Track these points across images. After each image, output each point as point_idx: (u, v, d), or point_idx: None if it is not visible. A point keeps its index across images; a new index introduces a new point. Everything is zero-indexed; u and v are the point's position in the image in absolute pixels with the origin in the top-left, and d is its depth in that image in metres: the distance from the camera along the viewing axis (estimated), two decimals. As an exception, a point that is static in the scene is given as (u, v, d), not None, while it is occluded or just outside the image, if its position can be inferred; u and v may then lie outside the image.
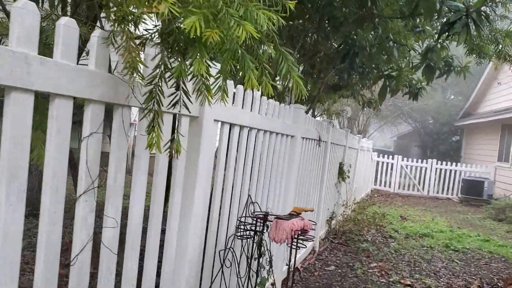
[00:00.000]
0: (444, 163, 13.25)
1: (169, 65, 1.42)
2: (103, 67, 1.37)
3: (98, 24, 2.70)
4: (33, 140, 1.45)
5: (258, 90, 1.40)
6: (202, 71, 1.32)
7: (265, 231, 2.29)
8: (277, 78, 5.85)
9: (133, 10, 1.31)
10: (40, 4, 2.66)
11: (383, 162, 13.58)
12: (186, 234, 1.95)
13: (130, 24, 1.35)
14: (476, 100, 15.21)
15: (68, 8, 2.50)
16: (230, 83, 2.22)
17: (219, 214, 2.36)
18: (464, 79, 5.19)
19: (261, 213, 2.41)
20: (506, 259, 5.64)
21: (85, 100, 1.34)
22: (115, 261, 1.52)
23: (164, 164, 1.75)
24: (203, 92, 1.47)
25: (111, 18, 1.32)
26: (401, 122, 20.24)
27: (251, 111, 2.54)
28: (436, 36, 4.59)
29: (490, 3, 3.06)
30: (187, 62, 1.37)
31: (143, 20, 1.44)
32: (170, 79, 1.45)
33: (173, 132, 1.53)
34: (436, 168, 13.13)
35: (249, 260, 2.38)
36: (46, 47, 2.24)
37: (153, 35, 1.45)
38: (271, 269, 2.78)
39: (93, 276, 1.45)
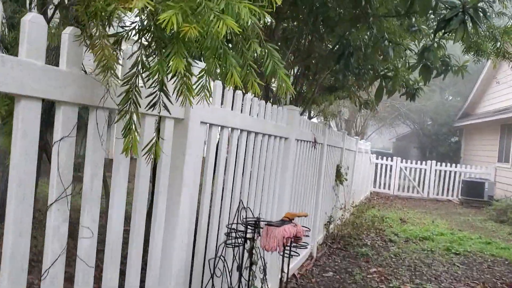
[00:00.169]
0: (443, 164, 13.16)
1: (147, 64, 1.33)
2: (75, 67, 1.28)
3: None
4: (8, 146, 1.36)
5: (241, 88, 1.31)
6: (180, 69, 1.23)
7: (256, 238, 2.19)
8: (273, 80, 5.77)
9: (106, 6, 1.22)
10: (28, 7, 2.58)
11: (382, 164, 13.49)
12: (172, 243, 1.85)
13: (103, 20, 1.26)
14: (474, 100, 15.15)
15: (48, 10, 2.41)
16: (218, 83, 2.13)
17: (209, 221, 2.27)
18: (462, 78, 5.11)
19: (252, 219, 2.31)
20: (510, 262, 5.54)
21: (56, 102, 1.25)
22: (92, 274, 1.42)
23: (146, 169, 1.66)
24: (184, 92, 1.38)
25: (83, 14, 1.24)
26: (400, 124, 20.17)
27: (241, 112, 2.45)
28: (432, 35, 4.53)
29: None
30: (166, 60, 1.28)
31: (122, 17, 1.36)
32: (149, 79, 1.36)
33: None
34: (436, 170, 13.03)
35: (239, 269, 2.28)
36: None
37: (130, 32, 1.37)
38: (265, 278, 2.68)
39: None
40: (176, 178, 1.85)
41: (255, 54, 1.45)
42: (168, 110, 1.39)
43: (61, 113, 1.25)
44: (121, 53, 1.36)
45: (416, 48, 4.86)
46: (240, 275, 2.25)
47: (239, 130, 2.49)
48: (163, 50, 1.29)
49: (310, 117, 6.36)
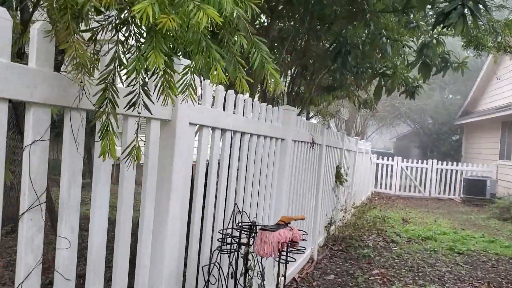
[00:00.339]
0: (444, 163, 13.05)
1: (124, 61, 1.24)
2: (46, 65, 1.19)
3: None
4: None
5: (226, 82, 1.22)
6: (159, 65, 1.14)
7: (251, 243, 2.10)
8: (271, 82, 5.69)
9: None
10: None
11: (383, 164, 13.38)
12: (162, 250, 1.76)
13: (75, 14, 1.17)
14: (475, 97, 15.05)
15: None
16: (208, 82, 2.04)
17: (202, 226, 2.17)
18: (462, 75, 5.02)
19: (246, 223, 2.21)
20: (514, 261, 5.43)
21: (26, 103, 1.16)
22: (71, 287, 1.33)
23: (130, 172, 1.57)
24: (165, 90, 1.29)
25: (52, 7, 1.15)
26: (400, 123, 20.07)
27: (234, 113, 2.35)
28: (431, 32, 4.44)
29: (487, -8, 2.89)
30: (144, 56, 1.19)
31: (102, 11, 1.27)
32: (128, 77, 1.27)
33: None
34: (437, 169, 12.93)
35: (234, 276, 2.18)
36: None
37: (106, 27, 1.27)
38: (263, 283, 2.58)
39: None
40: (165, 182, 1.76)
41: (243, 49, 1.36)
42: (149, 110, 1.29)
43: (32, 115, 1.16)
44: (96, 50, 1.26)
45: (415, 46, 4.77)
46: (235, 282, 2.15)
47: (231, 132, 2.40)
48: (142, 46, 1.20)
49: (308, 118, 6.26)
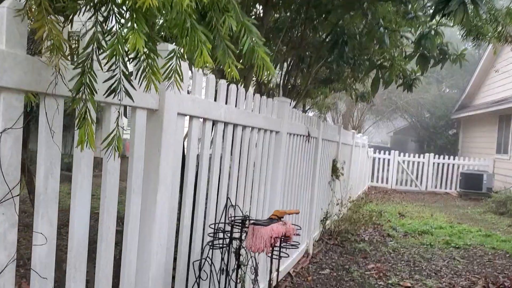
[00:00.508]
0: (441, 157, 13.03)
1: (103, 43, 1.15)
2: (18, 47, 1.10)
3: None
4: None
5: (212, 67, 1.14)
6: (140, 47, 1.05)
7: (243, 237, 2.02)
8: (266, 74, 5.60)
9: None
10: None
11: (379, 158, 13.35)
12: (150, 246, 1.68)
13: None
14: (472, 91, 15.00)
15: None
16: (199, 71, 1.96)
17: (192, 221, 2.10)
18: (460, 67, 4.95)
19: (238, 217, 2.14)
20: (510, 255, 5.40)
21: (-4, 88, 1.07)
22: (49, 286, 1.25)
23: (114, 165, 1.48)
24: (148, 75, 1.20)
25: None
26: (397, 117, 20.02)
27: (226, 103, 2.27)
28: (429, 23, 4.35)
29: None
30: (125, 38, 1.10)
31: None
32: (109, 61, 1.18)
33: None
34: (434, 163, 12.91)
35: (226, 271, 2.11)
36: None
37: (85, 6, 1.19)
38: (256, 279, 2.51)
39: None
40: (152, 175, 1.67)
41: (232, 33, 1.27)
42: (131, 97, 1.21)
43: (2, 100, 1.07)
44: (72, 31, 1.17)
45: (413, 37, 4.69)
46: (226, 278, 2.08)
47: (223, 123, 2.31)
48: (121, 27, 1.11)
49: (304, 111, 6.18)
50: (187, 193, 2.00)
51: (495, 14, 3.07)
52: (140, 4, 0.99)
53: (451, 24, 2.84)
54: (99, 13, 1.14)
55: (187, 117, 1.92)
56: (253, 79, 5.45)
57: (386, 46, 4.04)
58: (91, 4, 1.14)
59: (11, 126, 1.10)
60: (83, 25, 1.19)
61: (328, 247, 5.24)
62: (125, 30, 1.07)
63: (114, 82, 1.20)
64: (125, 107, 1.66)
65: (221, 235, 2.21)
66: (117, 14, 1.15)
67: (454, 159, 12.94)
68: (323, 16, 4.46)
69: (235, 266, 2.13)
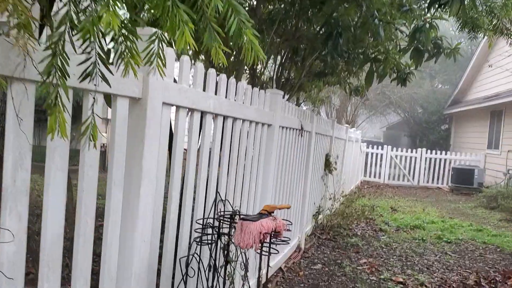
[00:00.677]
0: (433, 152, 13.06)
1: (77, 22, 1.05)
2: (-19, 25, 1.00)
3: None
4: None
5: (195, 49, 1.05)
6: (114, 27, 0.96)
7: (232, 233, 1.94)
8: (259, 65, 5.48)
9: None
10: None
11: (372, 153, 13.34)
12: (132, 243, 1.59)
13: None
14: (464, 87, 15.02)
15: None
16: (185, 58, 1.86)
17: (179, 216, 2.01)
18: (455, 61, 4.89)
19: (227, 212, 2.06)
20: (501, 250, 5.39)
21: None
22: (19, 286, 1.16)
23: (92, 156, 1.39)
24: (126, 58, 1.11)
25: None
26: (390, 112, 20.03)
27: (215, 94, 2.18)
28: (424, 15, 4.28)
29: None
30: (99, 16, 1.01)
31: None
32: (84, 42, 1.09)
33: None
34: (426, 158, 12.94)
35: (213, 268, 2.03)
36: None
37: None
38: (246, 275, 2.44)
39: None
40: (135, 168, 1.58)
41: (219, 15, 1.18)
42: (107, 82, 1.12)
43: (-38, 85, 0.98)
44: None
45: (407, 31, 4.62)
46: (214, 275, 2.00)
47: (213, 115, 2.22)
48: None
49: (298, 104, 6.10)
50: (173, 187, 1.91)
51: (491, 6, 3.01)
52: (115, -23, 0.90)
53: (447, 16, 2.76)
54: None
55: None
56: (246, 71, 5.36)
57: (380, 38, 3.97)
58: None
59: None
60: (55, 3, 1.09)
61: (320, 241, 5.19)
62: (99, 8, 0.98)
63: (90, 65, 1.10)
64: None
65: (210, 230, 2.13)
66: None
67: (446, 154, 12.98)
68: (317, 7, 4.37)
69: (224, 263, 2.05)
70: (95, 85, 1.09)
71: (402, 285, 3.84)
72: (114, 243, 1.54)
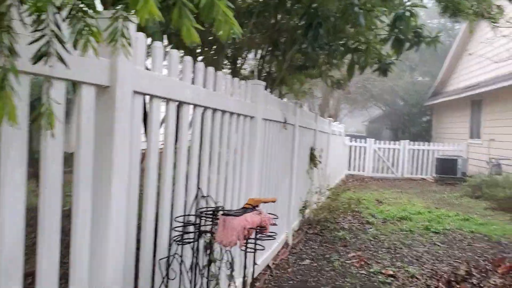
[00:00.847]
0: (416, 143, 13.17)
1: None
2: None
3: None
4: None
5: (159, 19, 0.93)
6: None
7: (215, 230, 1.82)
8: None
9: None
10: None
11: (356, 147, 13.37)
12: (105, 246, 1.46)
13: None
14: (444, 78, 15.20)
15: None
16: (157, 44, 1.73)
17: (157, 215, 1.88)
18: (435, 50, 4.87)
19: (208, 208, 1.94)
20: (489, 238, 5.41)
21: None
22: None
23: (56, 149, 1.25)
24: (84, 35, 0.98)
25: None
26: (371, 106, 20.18)
27: (192, 83, 2.05)
28: (405, 4, 4.24)
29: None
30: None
31: None
32: (39, 20, 0.95)
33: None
34: (409, 149, 13.03)
35: (194, 269, 1.91)
36: None
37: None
38: (232, 274, 2.33)
39: None
40: (104, 165, 1.45)
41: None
42: (63, 62, 0.98)
43: None
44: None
45: (388, 21, 4.57)
46: (195, 276, 1.88)
47: (192, 106, 2.10)
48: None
49: (281, 97, 6.01)
50: (149, 184, 1.78)
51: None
52: None
53: (425, 6, 2.69)
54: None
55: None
56: (226, 65, 5.24)
57: (361, 26, 3.89)
58: None
59: None
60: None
61: (308, 236, 5.11)
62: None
63: (44, 45, 0.97)
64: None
65: (191, 229, 2.01)
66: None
67: (429, 145, 13.10)
68: (297, -2, 4.28)
69: (207, 262, 1.94)
70: (50, 66, 0.96)
71: (392, 278, 3.78)
72: (84, 248, 1.41)
